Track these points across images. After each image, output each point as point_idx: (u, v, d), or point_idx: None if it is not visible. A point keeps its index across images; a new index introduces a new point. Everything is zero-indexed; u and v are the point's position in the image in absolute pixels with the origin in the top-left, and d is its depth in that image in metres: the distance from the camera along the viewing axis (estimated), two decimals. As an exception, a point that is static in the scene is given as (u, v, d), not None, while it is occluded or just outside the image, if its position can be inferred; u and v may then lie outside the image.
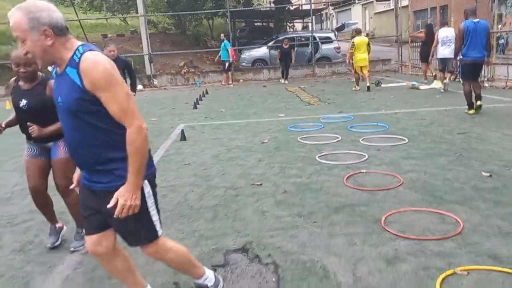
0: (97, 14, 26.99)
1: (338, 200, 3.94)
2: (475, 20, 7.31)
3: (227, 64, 16.65)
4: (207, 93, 13.96)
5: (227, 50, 16.41)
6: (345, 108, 9.21)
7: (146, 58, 18.49)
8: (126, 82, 6.86)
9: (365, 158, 5.20)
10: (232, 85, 16.63)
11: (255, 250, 3.09)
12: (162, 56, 19.76)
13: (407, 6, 31.34)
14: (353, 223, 3.42)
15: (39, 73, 3.26)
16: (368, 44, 12.23)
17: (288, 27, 26.29)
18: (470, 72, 7.46)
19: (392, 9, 26.19)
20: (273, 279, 2.68)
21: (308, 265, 2.82)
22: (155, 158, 5.91)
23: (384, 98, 10.37)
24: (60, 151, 3.28)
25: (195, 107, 10.79)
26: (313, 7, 21.08)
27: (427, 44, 12.70)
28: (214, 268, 2.84)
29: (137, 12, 20.10)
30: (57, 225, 3.53)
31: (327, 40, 18.98)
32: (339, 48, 19.20)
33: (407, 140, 5.92)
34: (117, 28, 27.08)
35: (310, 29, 21.65)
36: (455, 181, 4.22)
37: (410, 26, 24.37)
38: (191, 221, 3.69)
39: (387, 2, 35.63)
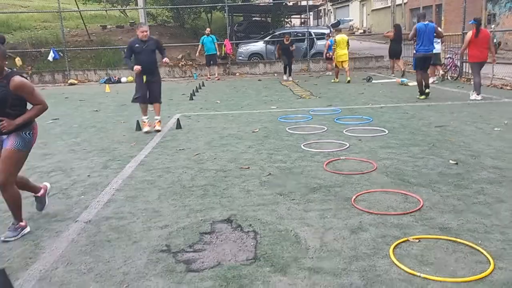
0: (96, 5, 27.25)
1: (316, 182, 4.36)
2: (425, 23, 9.30)
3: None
4: (203, 85, 14.33)
5: (218, 44, 16.81)
6: (334, 102, 9.62)
7: (145, 50, 18.80)
8: (158, 60, 7.32)
9: (346, 147, 5.63)
10: (216, 79, 16.92)
11: (238, 221, 3.51)
12: (160, 48, 20.08)
13: (405, 3, 31.72)
14: (327, 201, 3.84)
15: (6, 69, 3.29)
16: (348, 42, 13.61)
17: (285, 23, 26.61)
18: (421, 63, 9.38)
19: (389, 7, 26.55)
20: (252, 244, 3.10)
21: (283, 233, 3.24)
22: (152, 144, 6.32)
23: (372, 93, 10.79)
24: (10, 142, 3.34)
25: (191, 99, 11.18)
26: (311, 3, 21.42)
27: (395, 42, 13.99)
28: (202, 234, 3.27)
29: (137, 5, 20.40)
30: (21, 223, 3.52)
31: (323, 36, 19.31)
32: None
33: (387, 132, 6.35)
34: (116, 20, 27.32)
35: (307, 25, 22.00)
36: (424, 167, 4.65)
37: (405, 23, 24.59)
38: (183, 198, 4.10)
39: (384, -1, 35.94)
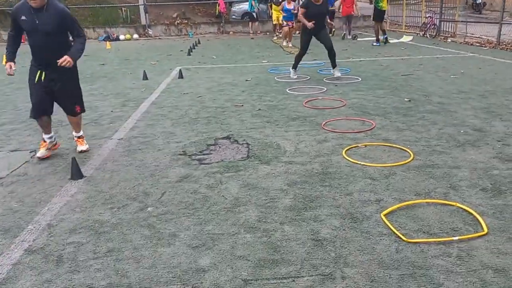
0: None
1: (296, 114, 5.50)
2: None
3: (254, 15, 18.42)
4: (199, 42, 15.21)
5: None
6: (319, 57, 10.64)
7: (141, 8, 19.45)
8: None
9: (324, 90, 6.74)
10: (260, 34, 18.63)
11: (235, 137, 4.66)
12: (156, 7, 20.68)
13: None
14: (303, 125, 4.99)
15: None
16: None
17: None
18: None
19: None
20: (245, 150, 4.26)
21: (268, 143, 4.41)
22: (159, 89, 7.38)
23: (355, 49, 11.82)
24: None
25: (189, 54, 12.13)
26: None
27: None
28: (208, 145, 4.42)
29: (132, -37, 20.80)
30: None
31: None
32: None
33: (360, 79, 7.46)
34: (111, -22, 27.49)
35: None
36: (383, 103, 5.80)
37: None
38: (191, 125, 5.23)
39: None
